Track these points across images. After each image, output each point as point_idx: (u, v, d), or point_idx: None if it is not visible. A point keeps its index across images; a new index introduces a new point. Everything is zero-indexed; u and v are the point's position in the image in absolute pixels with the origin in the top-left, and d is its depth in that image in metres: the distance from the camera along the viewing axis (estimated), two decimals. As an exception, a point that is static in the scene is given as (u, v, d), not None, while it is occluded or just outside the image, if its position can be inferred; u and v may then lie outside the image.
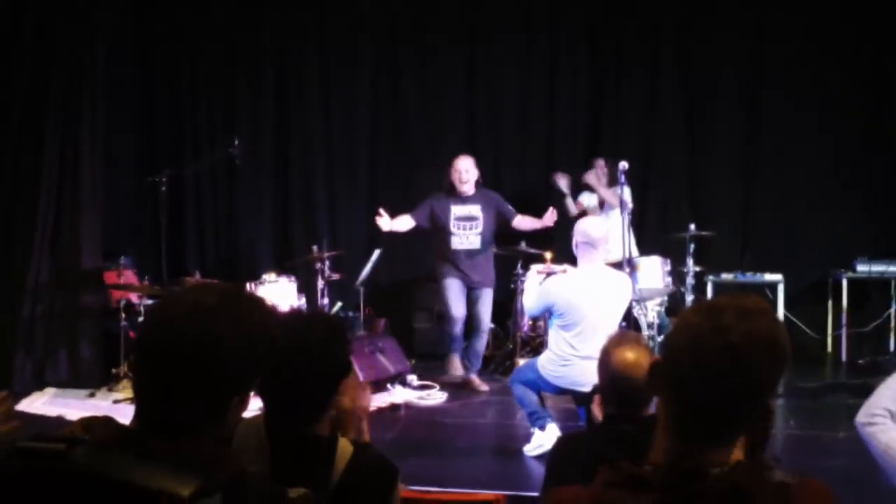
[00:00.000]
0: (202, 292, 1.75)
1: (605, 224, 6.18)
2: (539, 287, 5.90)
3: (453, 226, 7.97)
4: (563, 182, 9.00)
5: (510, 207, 8.17)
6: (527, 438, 5.97)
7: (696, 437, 1.59)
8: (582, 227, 5.71)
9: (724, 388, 1.56)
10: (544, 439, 5.69)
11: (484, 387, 7.88)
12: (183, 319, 1.66)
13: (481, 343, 8.10)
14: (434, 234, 8.14)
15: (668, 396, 1.64)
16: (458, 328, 8.03)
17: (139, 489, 1.54)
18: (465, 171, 7.98)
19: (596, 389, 3.27)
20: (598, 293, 5.56)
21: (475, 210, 8.00)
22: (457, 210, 7.99)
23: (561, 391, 5.73)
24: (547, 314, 5.94)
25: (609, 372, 3.13)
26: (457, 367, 8.09)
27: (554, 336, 5.67)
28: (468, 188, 8.00)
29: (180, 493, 1.52)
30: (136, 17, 9.71)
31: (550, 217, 7.89)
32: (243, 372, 1.71)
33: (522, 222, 8.13)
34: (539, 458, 5.61)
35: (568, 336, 5.54)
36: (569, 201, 9.05)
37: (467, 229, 7.99)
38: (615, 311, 5.66)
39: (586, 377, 5.43)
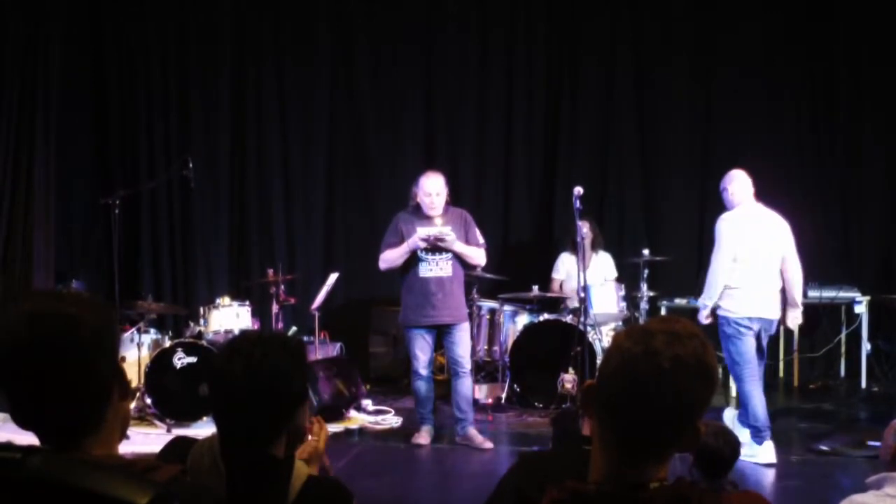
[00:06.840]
0: (28, 299, 1.74)
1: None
2: None
3: (421, 250, 6.60)
4: None
5: (478, 235, 6.85)
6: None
7: (631, 456, 1.63)
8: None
9: (655, 411, 1.60)
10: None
11: (487, 444, 6.62)
12: (29, 327, 1.65)
13: (465, 386, 6.70)
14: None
15: (601, 418, 1.66)
16: (425, 388, 6.80)
17: (97, 496, 1.55)
18: (436, 194, 6.63)
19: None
20: None
21: (445, 231, 6.59)
22: (424, 231, 6.56)
23: None
24: None
25: None
26: (424, 439, 6.81)
27: None
28: (437, 211, 6.67)
29: (138, 502, 1.52)
30: (90, 35, 9.64)
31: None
32: (98, 356, 1.70)
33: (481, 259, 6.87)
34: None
35: None
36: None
37: (437, 254, 6.62)
38: None
39: None
